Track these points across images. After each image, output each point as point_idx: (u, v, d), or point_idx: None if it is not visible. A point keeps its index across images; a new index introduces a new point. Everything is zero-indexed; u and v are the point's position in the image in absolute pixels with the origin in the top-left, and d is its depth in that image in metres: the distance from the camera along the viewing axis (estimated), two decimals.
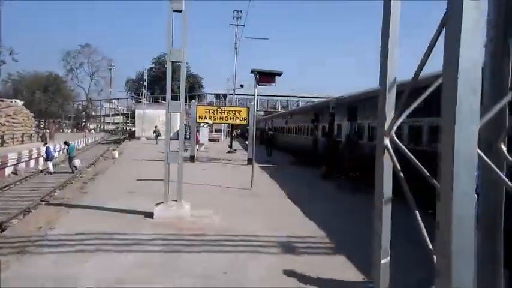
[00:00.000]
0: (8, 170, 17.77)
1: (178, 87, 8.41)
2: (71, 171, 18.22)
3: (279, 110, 69.81)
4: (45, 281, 4.81)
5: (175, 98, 8.46)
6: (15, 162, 18.27)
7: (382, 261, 1.90)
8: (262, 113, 72.18)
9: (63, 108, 75.36)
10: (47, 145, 19.76)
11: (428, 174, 1.62)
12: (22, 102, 44.62)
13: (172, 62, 7.81)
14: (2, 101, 34.46)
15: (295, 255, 6.01)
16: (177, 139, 8.26)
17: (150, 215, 7.95)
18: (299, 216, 8.56)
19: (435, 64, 1.72)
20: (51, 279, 4.89)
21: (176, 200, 8.08)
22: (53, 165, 19.05)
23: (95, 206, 8.84)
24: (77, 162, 18.98)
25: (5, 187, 14.42)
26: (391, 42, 1.85)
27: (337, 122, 16.55)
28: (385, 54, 1.87)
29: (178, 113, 8.30)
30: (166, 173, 7.99)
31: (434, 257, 1.47)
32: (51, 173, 18.17)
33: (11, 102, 35.20)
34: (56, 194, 12.91)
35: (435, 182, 1.49)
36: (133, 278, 5.01)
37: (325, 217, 8.41)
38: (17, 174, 17.90)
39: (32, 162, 21.14)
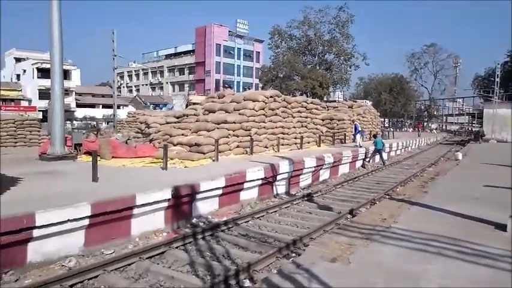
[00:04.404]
0: (358, 164, 20.08)
1: None
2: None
3: None
4: (389, 273, 5.00)
5: None
6: (363, 157, 20.40)
7: None
8: None
9: (406, 108, 78.34)
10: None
11: None
12: (371, 103, 49.78)
13: None
14: (355, 101, 39.64)
15: None
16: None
17: (502, 227, 6.86)
18: None
19: None
20: (393, 271, 5.05)
21: None
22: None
23: (434, 207, 8.51)
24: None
25: (355, 178, 16.41)
26: None
27: None
28: None
29: None
30: None
31: None
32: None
33: (362, 102, 39.88)
34: (398, 190, 13.48)
35: None
36: None
37: None
38: (364, 167, 19.99)
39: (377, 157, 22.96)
